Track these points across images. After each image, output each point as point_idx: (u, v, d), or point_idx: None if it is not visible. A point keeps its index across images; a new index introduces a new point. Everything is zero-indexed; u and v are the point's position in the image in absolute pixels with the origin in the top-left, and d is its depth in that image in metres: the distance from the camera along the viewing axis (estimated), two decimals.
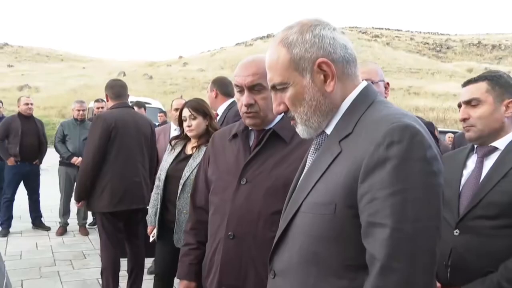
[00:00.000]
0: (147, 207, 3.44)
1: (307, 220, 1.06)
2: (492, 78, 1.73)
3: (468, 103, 1.74)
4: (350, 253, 1.00)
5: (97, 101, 6.17)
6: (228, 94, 3.43)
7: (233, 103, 3.32)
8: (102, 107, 5.86)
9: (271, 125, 1.68)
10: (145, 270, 3.85)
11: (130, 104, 4.70)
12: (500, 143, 1.70)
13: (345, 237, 1.00)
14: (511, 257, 1.53)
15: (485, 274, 1.56)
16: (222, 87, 3.45)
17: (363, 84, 1.14)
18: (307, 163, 1.21)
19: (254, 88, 1.62)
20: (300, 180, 1.17)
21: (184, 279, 1.90)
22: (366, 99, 1.10)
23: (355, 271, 1.00)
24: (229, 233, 1.61)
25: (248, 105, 1.61)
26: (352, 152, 1.01)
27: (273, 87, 1.15)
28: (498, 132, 1.71)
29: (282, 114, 1.70)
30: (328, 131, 1.13)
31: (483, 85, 1.73)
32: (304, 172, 1.19)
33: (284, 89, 1.12)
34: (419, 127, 0.98)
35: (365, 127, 1.02)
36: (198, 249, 1.87)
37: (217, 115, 3.44)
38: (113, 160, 3.43)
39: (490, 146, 1.71)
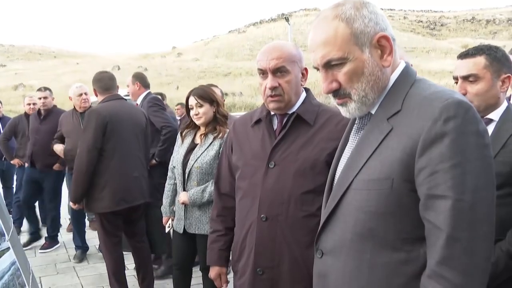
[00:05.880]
0: (147, 201, 3.46)
1: (361, 197, 1.09)
2: (490, 53, 1.71)
3: (466, 78, 1.72)
4: (407, 226, 1.04)
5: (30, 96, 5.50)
6: (147, 86, 4.28)
7: (149, 93, 4.25)
8: (34, 103, 5.40)
9: (294, 109, 1.72)
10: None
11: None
12: (494, 115, 1.73)
13: (402, 211, 1.04)
14: None
15: (494, 243, 1.60)
16: (143, 80, 4.28)
17: (403, 63, 1.17)
18: (349, 143, 1.23)
19: (278, 71, 1.65)
20: (346, 159, 1.19)
21: (215, 265, 1.94)
22: (408, 78, 1.13)
23: (412, 244, 1.04)
24: (262, 215, 1.66)
25: (273, 88, 1.65)
26: (405, 128, 1.04)
27: (327, 64, 1.12)
28: (493, 107, 1.73)
29: (303, 98, 1.76)
30: (372, 110, 1.15)
31: (481, 60, 1.71)
32: (348, 151, 1.21)
33: (341, 64, 1.11)
34: (470, 102, 1.02)
35: (417, 104, 1.05)
36: (226, 235, 1.91)
37: (137, 104, 4.12)
38: (110, 157, 3.22)
39: (486, 118, 1.73)
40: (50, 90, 5.13)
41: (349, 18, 1.09)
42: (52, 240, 5.10)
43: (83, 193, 3.25)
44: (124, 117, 3.33)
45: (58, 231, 5.26)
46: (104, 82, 3.44)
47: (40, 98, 5.02)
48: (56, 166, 4.99)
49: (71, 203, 3.41)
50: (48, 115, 5.03)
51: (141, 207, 3.49)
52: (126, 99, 3.69)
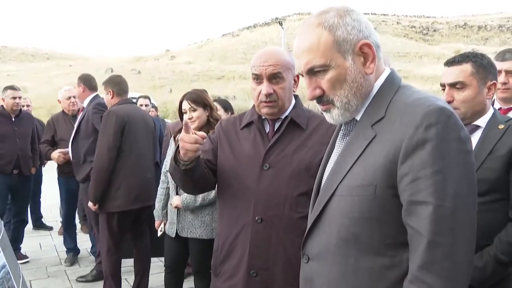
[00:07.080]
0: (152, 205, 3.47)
1: (346, 203, 1.10)
2: (476, 60, 1.74)
3: (453, 85, 1.75)
4: (390, 232, 1.05)
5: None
6: (93, 88, 4.10)
7: (96, 96, 4.04)
8: (28, 105, 5.50)
9: (286, 114, 1.74)
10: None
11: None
12: (481, 121, 1.75)
13: (385, 217, 1.05)
14: (503, 229, 1.60)
15: (481, 248, 1.62)
16: (88, 82, 4.10)
17: (388, 70, 1.18)
18: (335, 149, 1.24)
19: (274, 77, 1.66)
20: (332, 164, 1.20)
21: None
22: (393, 84, 1.14)
23: (395, 249, 1.05)
24: (257, 217, 1.66)
25: (268, 95, 1.66)
26: (388, 135, 1.05)
27: (310, 71, 1.14)
28: (480, 113, 1.75)
29: (294, 103, 1.78)
30: (357, 117, 1.16)
31: (467, 68, 1.74)
32: (334, 157, 1.22)
33: (324, 71, 1.12)
34: (452, 109, 1.03)
35: (400, 110, 1.06)
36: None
37: (83, 108, 4.04)
38: (127, 157, 3.32)
39: (473, 125, 1.76)
40: None
41: (332, 26, 1.11)
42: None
43: (103, 192, 3.29)
44: (138, 120, 3.46)
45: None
46: (123, 85, 3.63)
47: (15, 98, 4.64)
48: (33, 170, 4.90)
49: (90, 204, 3.40)
50: (22, 116, 4.79)
51: (148, 209, 3.53)
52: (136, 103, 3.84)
